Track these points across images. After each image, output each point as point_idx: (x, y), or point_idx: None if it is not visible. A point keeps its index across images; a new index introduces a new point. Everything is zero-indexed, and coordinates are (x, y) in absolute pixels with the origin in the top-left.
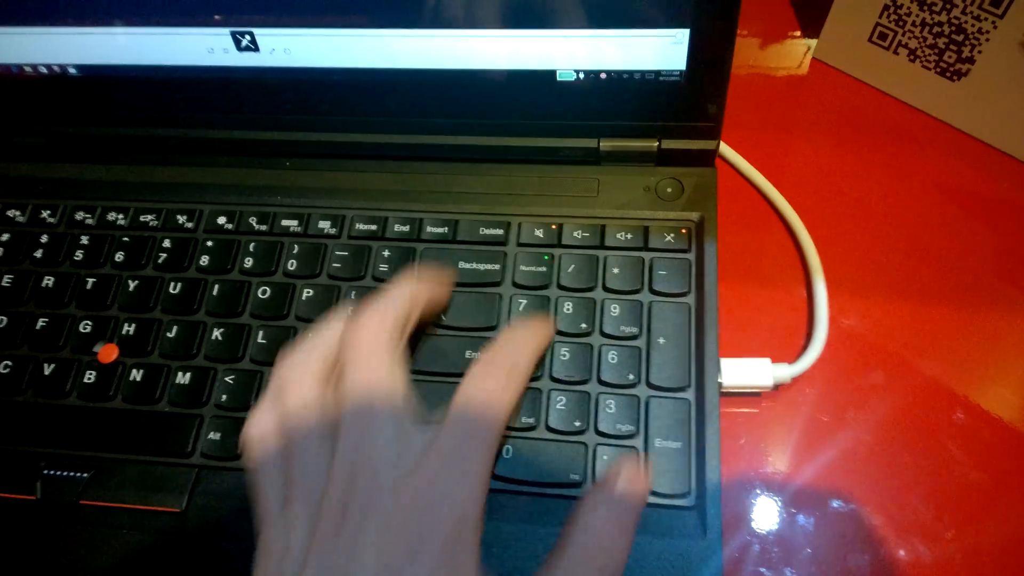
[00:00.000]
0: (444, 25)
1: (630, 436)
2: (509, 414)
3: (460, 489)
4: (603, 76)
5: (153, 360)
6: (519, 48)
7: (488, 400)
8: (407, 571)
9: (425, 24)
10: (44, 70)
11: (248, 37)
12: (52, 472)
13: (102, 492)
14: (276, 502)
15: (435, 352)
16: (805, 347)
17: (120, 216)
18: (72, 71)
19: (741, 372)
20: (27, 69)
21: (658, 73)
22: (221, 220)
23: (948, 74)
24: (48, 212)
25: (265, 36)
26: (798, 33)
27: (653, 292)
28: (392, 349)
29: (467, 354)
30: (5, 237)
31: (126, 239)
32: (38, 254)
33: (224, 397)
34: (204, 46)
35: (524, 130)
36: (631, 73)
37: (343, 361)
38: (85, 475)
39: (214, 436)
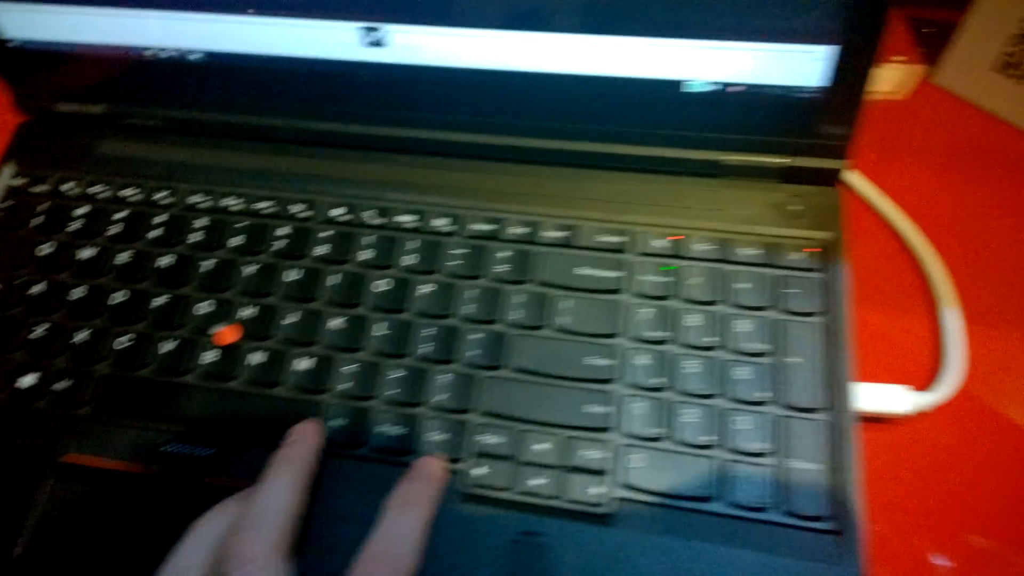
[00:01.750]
0: (577, 30)
1: (766, 455)
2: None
3: None
4: (734, 89)
5: (273, 345)
6: (650, 55)
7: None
8: None
9: (558, 28)
10: (169, 54)
11: (377, 32)
12: (173, 448)
13: (224, 470)
14: None
15: (552, 355)
16: (938, 376)
17: (238, 201)
18: (195, 57)
19: (877, 397)
20: (151, 53)
21: (794, 89)
22: (337, 212)
23: None
24: (165, 193)
25: (395, 32)
26: (908, 58)
27: (784, 310)
28: (275, 559)
29: (583, 360)
30: (123, 214)
31: (243, 224)
32: (155, 234)
33: (343, 386)
34: (335, 39)
35: (646, 139)
36: (765, 87)
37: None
38: (208, 452)
39: (335, 423)
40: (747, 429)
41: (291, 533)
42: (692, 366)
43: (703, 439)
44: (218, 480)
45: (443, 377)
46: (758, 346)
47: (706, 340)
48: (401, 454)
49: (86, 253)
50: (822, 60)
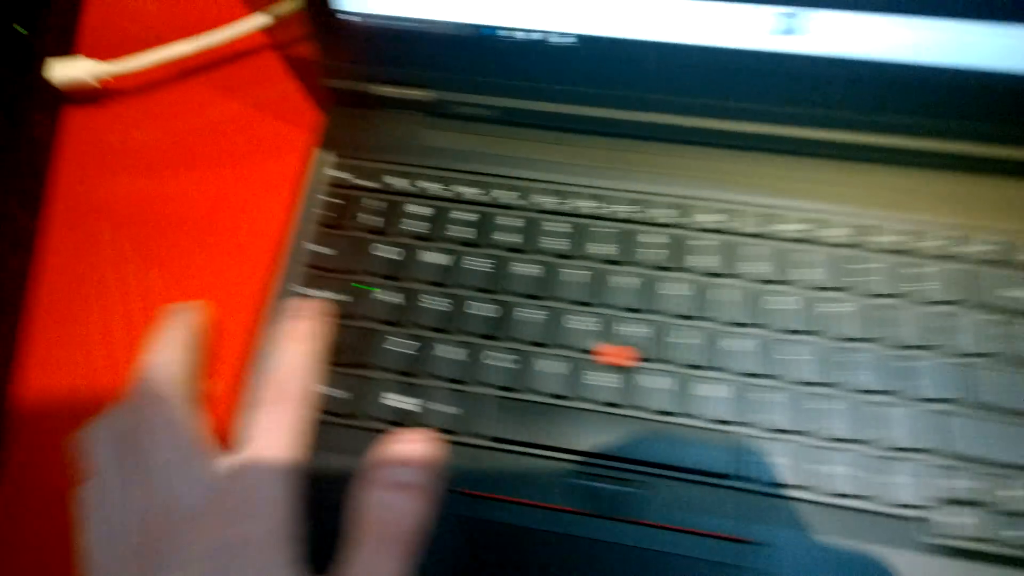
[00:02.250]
0: None
1: None
2: (292, 439)
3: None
4: None
5: (673, 368)
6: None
7: (267, 440)
8: None
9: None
10: (529, 36)
11: (794, 18)
12: (591, 483)
13: (658, 511)
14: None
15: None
16: None
17: (595, 205)
18: (560, 40)
19: None
20: (506, 33)
21: None
22: (715, 217)
23: None
24: (513, 194)
25: (814, 18)
26: None
27: None
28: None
29: None
30: (469, 216)
31: (607, 231)
32: (509, 239)
33: (768, 418)
34: (745, 24)
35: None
36: None
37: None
38: (634, 490)
39: (755, 459)
40: None
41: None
42: None
43: None
44: (645, 523)
45: (896, 411)
46: None
47: None
48: (856, 498)
49: (435, 259)
50: None
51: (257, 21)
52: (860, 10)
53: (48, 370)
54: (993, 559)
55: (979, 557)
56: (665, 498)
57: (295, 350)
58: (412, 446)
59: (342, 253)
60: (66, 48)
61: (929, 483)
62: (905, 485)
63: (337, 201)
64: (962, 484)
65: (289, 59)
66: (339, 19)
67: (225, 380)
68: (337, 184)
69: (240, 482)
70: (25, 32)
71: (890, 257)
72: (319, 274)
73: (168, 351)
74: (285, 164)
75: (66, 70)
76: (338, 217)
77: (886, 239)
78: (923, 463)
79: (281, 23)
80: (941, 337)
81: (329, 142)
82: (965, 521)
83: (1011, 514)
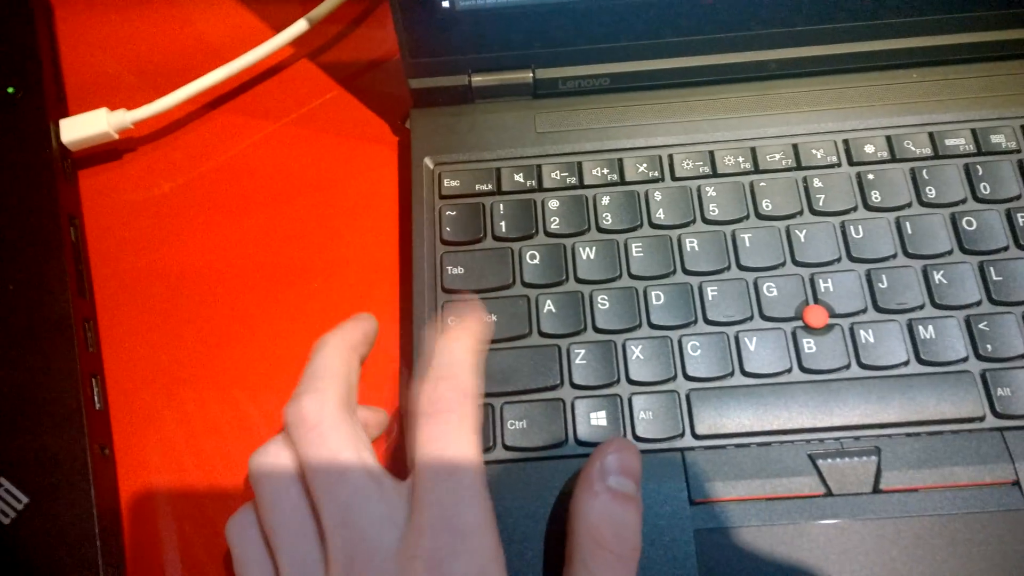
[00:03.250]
0: None
1: None
2: (479, 445)
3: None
4: None
5: (874, 316)
6: None
7: (454, 450)
8: None
9: None
10: None
11: None
12: (828, 459)
13: (901, 473)
14: None
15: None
16: None
17: (742, 159)
18: None
19: None
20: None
21: None
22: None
23: None
24: (644, 166)
25: None
26: None
27: None
28: (343, 415)
29: None
30: (608, 200)
31: (764, 184)
32: (660, 215)
33: (990, 346)
34: None
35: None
36: None
37: (295, 443)
38: (872, 456)
39: (1003, 392)
40: None
41: (350, 395)
42: None
43: None
44: (899, 488)
45: None
46: None
47: None
48: None
49: (585, 253)
50: None
51: (293, 31)
52: None
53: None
54: None
55: None
56: (910, 457)
57: (457, 348)
58: (628, 455)
59: (480, 269)
60: (62, 102)
61: None
62: None
63: (456, 214)
64: None
65: (340, 65)
66: (428, 8)
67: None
68: (452, 196)
69: (434, 511)
70: (11, 90)
71: None
72: (457, 299)
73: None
74: (373, 184)
75: (79, 127)
76: (464, 231)
77: None
78: None
79: (317, 28)
80: None
81: (429, 148)
82: None
83: None
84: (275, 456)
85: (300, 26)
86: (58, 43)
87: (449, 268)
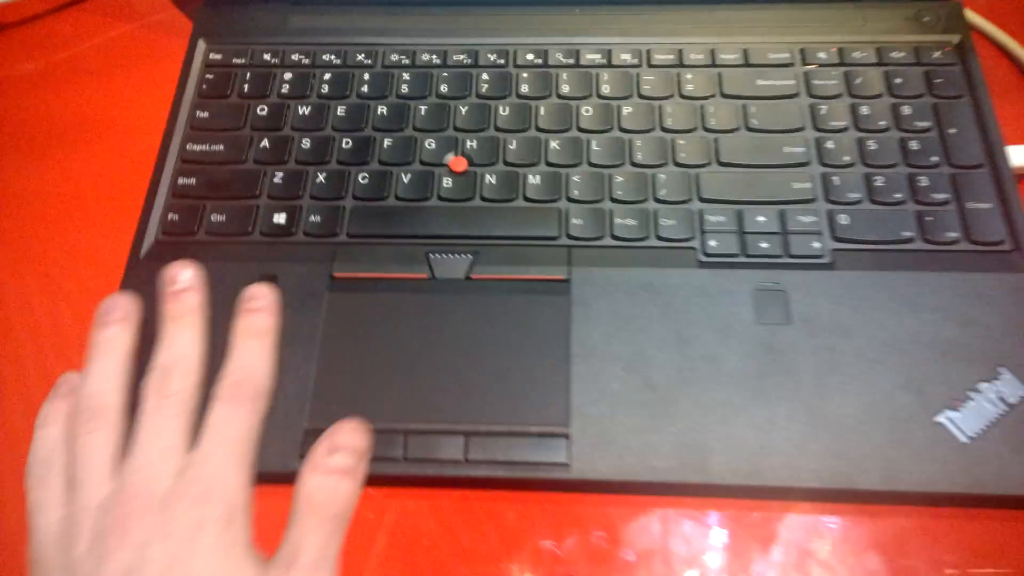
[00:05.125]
0: None
1: (946, 203)
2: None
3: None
4: None
5: (501, 168)
6: None
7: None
8: (186, 555)
9: None
10: None
11: None
12: (439, 255)
13: (488, 268)
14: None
15: (755, 149)
16: None
17: (432, 56)
18: None
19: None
20: None
21: None
22: (530, 56)
23: None
24: (362, 55)
25: None
26: None
27: (934, 96)
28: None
29: (783, 149)
30: (328, 75)
31: (445, 75)
32: (364, 89)
33: (576, 192)
34: None
35: None
36: None
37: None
38: (469, 256)
39: (576, 221)
40: (928, 185)
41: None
42: (873, 144)
43: (897, 196)
44: (482, 277)
45: (661, 176)
46: (923, 123)
47: (881, 123)
48: (639, 240)
49: (302, 110)
50: None
51: None
52: None
53: None
54: (748, 266)
55: (740, 266)
56: (495, 257)
57: (253, 347)
58: (352, 435)
59: (221, 115)
60: None
61: (693, 222)
62: (674, 225)
63: (213, 76)
64: (717, 218)
65: None
66: None
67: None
68: (213, 65)
69: (198, 470)
70: None
71: (661, 70)
72: (201, 134)
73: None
74: (168, 65)
75: None
76: (217, 89)
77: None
78: (686, 209)
79: None
80: (698, 121)
81: (204, 34)
82: (718, 243)
83: (755, 233)
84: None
85: None
86: None
87: (198, 113)
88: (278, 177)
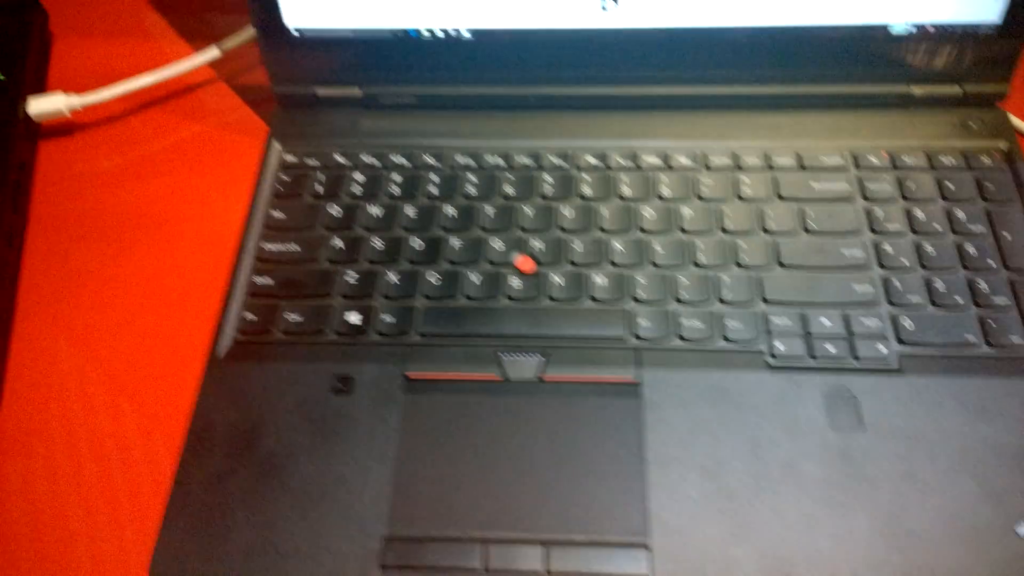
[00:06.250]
0: None
1: (1007, 308)
2: None
3: None
4: (930, 28)
5: (567, 269)
6: (863, 3)
7: None
8: None
9: None
10: (429, 34)
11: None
12: (510, 355)
13: (559, 369)
14: None
15: (815, 251)
16: None
17: (498, 158)
18: (451, 35)
19: None
20: (413, 32)
21: (973, 26)
22: (590, 159)
23: None
24: (432, 157)
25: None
26: None
27: (985, 200)
28: None
29: (841, 251)
30: (399, 177)
31: (512, 177)
32: (433, 191)
33: (641, 293)
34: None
35: (854, 77)
36: (952, 25)
37: None
38: (540, 356)
39: (643, 322)
40: (988, 290)
41: None
42: (930, 247)
43: (958, 299)
44: (554, 379)
45: (725, 278)
46: (977, 228)
47: (936, 227)
48: (706, 341)
49: (373, 211)
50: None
51: (208, 55)
52: None
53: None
54: (818, 371)
55: (810, 371)
56: (565, 358)
57: None
58: None
59: (296, 215)
60: (42, 89)
61: (759, 325)
62: (741, 329)
63: (288, 178)
64: (783, 322)
65: (238, 85)
66: (284, 35)
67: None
68: (288, 166)
69: None
70: (3, 77)
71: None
72: (276, 234)
73: None
74: (242, 164)
75: (42, 104)
76: (291, 189)
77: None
78: (751, 311)
79: (228, 56)
80: (757, 223)
81: (279, 136)
82: (786, 348)
83: (822, 337)
84: None
85: (212, 52)
86: (50, 42)
87: (273, 212)
88: (351, 277)
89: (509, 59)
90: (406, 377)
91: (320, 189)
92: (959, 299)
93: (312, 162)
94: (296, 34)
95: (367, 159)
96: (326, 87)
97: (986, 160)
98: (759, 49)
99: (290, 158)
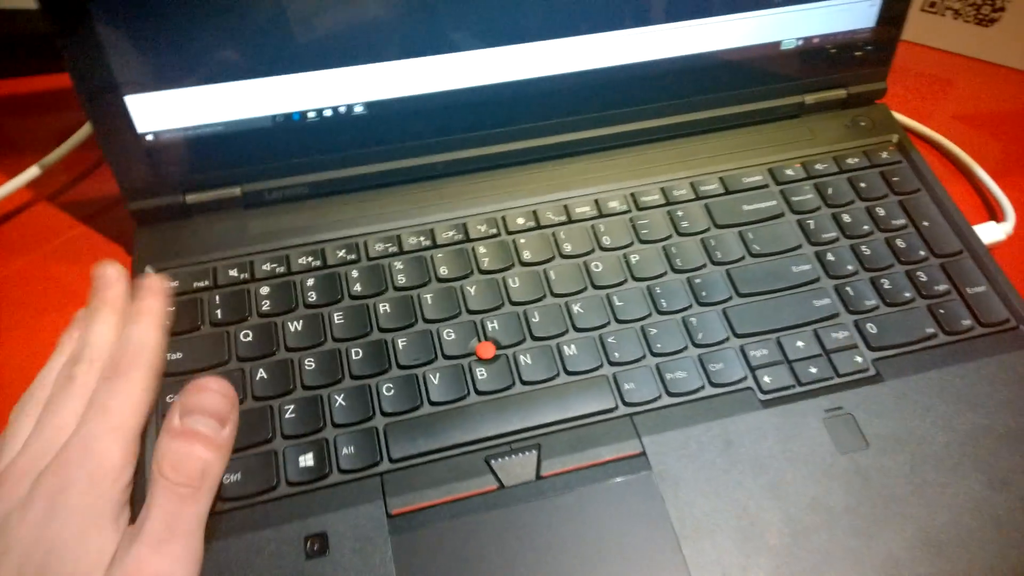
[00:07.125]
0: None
1: (949, 293)
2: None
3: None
4: (815, 39)
5: (531, 345)
6: (751, 26)
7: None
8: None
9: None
10: (318, 113)
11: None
12: (501, 458)
13: (557, 460)
14: None
15: (765, 275)
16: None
17: (421, 238)
18: (338, 113)
19: (985, 233)
20: (297, 114)
21: (853, 31)
22: (521, 220)
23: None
24: (342, 250)
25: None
26: None
27: (896, 193)
28: None
29: (791, 269)
30: (312, 281)
31: (440, 255)
32: (355, 289)
33: (616, 354)
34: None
35: (745, 97)
36: (835, 34)
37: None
38: (533, 451)
39: (628, 386)
40: (927, 279)
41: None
42: (867, 249)
43: (907, 295)
44: (554, 472)
45: (692, 319)
46: (898, 221)
47: (864, 228)
48: (695, 391)
49: (294, 326)
50: (875, 6)
51: (26, 176)
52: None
53: None
54: (806, 396)
55: (799, 397)
56: (560, 445)
57: (143, 324)
58: (202, 396)
59: (198, 352)
60: None
61: (740, 361)
62: (723, 370)
63: (175, 308)
64: (760, 352)
65: (73, 204)
66: (137, 141)
67: None
68: (168, 293)
69: (72, 440)
70: None
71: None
72: (178, 381)
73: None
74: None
75: None
76: (183, 323)
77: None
78: (727, 348)
79: (49, 172)
80: (705, 256)
81: (148, 259)
82: (771, 379)
83: (798, 360)
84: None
85: (33, 171)
86: None
87: (169, 355)
88: (288, 411)
89: (407, 128)
90: (389, 515)
91: (220, 314)
92: (907, 294)
93: (201, 283)
94: (151, 138)
95: (268, 266)
96: (197, 192)
97: (884, 155)
98: (658, 82)
99: (172, 284)
